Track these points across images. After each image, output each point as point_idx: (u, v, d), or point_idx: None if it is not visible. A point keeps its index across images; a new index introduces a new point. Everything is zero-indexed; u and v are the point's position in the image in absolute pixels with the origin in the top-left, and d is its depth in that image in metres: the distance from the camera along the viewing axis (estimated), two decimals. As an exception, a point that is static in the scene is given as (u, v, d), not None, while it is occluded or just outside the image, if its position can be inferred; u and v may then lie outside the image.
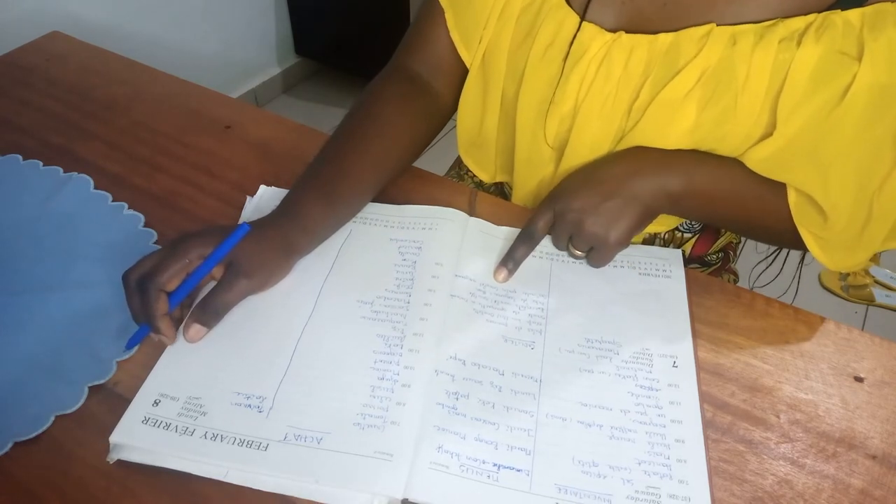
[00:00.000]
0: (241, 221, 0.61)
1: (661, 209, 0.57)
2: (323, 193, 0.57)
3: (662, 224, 0.65)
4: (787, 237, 0.59)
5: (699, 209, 0.59)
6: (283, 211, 0.56)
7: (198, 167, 0.68)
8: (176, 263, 0.49)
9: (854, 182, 0.52)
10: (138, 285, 0.49)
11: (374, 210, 0.63)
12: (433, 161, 0.95)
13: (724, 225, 0.64)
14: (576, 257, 0.59)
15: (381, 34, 1.92)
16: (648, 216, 0.56)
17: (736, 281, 0.79)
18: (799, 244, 0.59)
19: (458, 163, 0.87)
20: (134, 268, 0.50)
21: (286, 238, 0.54)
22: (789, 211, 0.56)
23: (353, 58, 2.04)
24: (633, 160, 0.57)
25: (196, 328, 0.50)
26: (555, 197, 0.58)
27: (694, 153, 0.56)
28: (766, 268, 0.70)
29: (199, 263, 0.51)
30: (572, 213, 0.55)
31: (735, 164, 0.56)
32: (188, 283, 0.50)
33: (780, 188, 0.56)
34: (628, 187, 0.55)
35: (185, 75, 0.83)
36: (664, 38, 0.53)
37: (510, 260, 0.57)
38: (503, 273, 0.57)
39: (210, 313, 0.50)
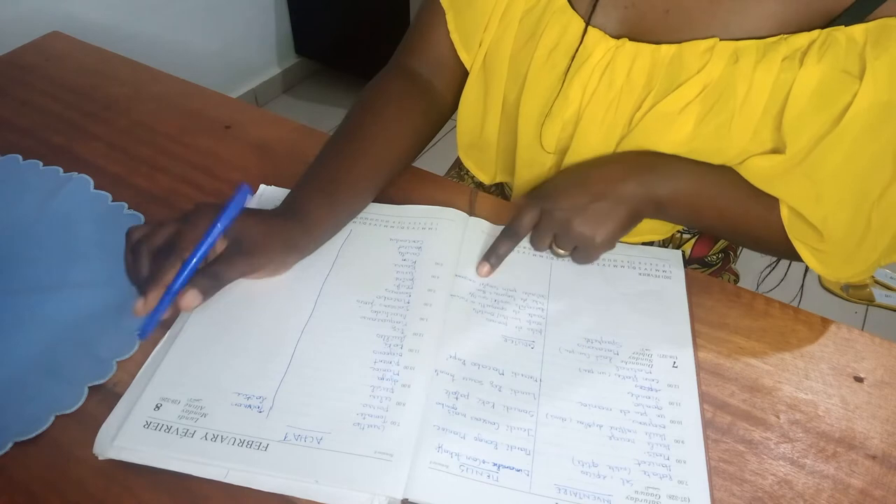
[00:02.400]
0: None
1: (648, 214, 0.57)
2: (325, 194, 0.57)
3: (658, 232, 0.65)
4: (779, 248, 0.59)
5: (684, 215, 0.58)
6: (286, 209, 0.56)
7: (198, 167, 0.68)
8: (192, 234, 0.49)
9: (850, 196, 0.52)
10: (157, 253, 0.49)
11: (374, 210, 0.63)
12: (433, 161, 0.95)
13: (710, 231, 0.64)
14: (558, 256, 0.59)
15: (381, 34, 1.92)
16: (634, 219, 0.56)
17: (736, 281, 0.79)
18: (790, 254, 0.59)
19: (458, 163, 0.87)
20: (149, 234, 0.50)
21: (289, 234, 0.54)
22: (777, 223, 0.56)
23: (353, 58, 2.04)
24: (623, 163, 0.57)
25: (193, 294, 0.48)
26: (542, 195, 0.57)
27: (685, 160, 0.56)
28: (771, 271, 0.70)
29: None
30: (560, 211, 0.55)
31: (726, 173, 0.55)
32: (198, 252, 0.49)
33: (770, 200, 0.56)
34: (617, 190, 0.55)
35: (185, 75, 0.83)
36: (667, 50, 0.53)
37: (493, 255, 0.57)
38: (486, 268, 0.57)
39: (208, 279, 0.49)
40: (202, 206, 0.52)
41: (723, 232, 0.61)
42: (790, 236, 0.56)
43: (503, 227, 0.62)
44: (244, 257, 0.51)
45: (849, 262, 0.56)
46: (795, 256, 0.58)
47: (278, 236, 0.54)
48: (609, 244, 0.55)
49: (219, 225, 0.50)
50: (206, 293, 0.50)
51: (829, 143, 0.50)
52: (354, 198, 0.60)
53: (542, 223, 0.56)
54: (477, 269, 0.58)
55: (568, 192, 0.56)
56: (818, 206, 0.53)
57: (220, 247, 0.52)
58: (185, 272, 0.49)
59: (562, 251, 0.58)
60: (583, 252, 0.56)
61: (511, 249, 0.58)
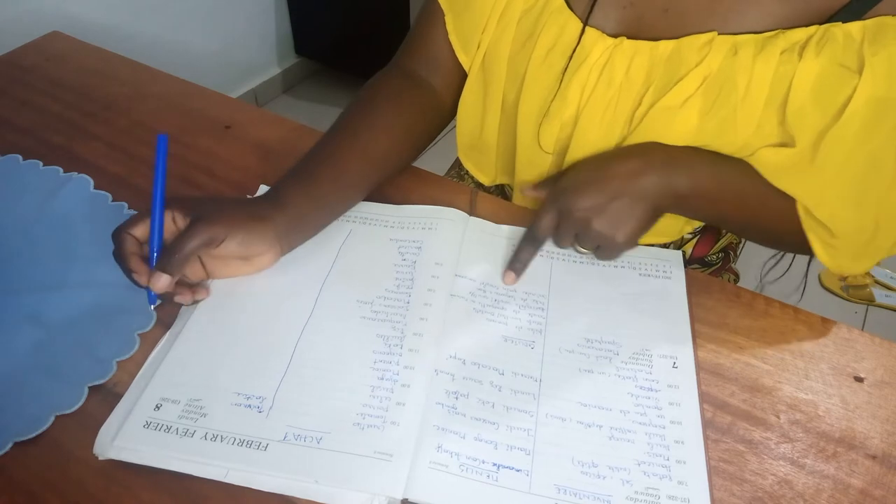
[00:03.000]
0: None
1: (668, 208, 0.57)
2: (300, 177, 0.57)
3: (667, 234, 0.64)
4: (788, 239, 0.59)
5: (704, 209, 0.58)
6: (261, 195, 0.57)
7: (198, 167, 0.68)
8: (144, 214, 0.51)
9: (852, 193, 0.52)
10: (114, 235, 0.51)
11: (374, 210, 0.63)
12: (433, 161, 0.95)
13: (726, 225, 0.64)
14: (581, 254, 0.59)
15: (381, 34, 1.92)
16: (656, 215, 0.56)
17: (737, 281, 0.79)
18: (802, 248, 0.58)
19: (458, 163, 0.87)
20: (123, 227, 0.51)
21: (256, 207, 0.54)
22: (793, 214, 0.56)
23: (353, 58, 2.04)
24: (641, 157, 0.55)
25: (156, 276, 0.49)
26: (559, 195, 0.56)
27: (701, 151, 0.55)
28: (776, 264, 0.70)
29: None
30: (579, 211, 0.54)
31: (744, 164, 0.55)
32: (154, 225, 0.50)
33: (787, 196, 0.55)
34: (636, 186, 0.54)
35: (185, 75, 0.83)
36: (665, 46, 0.53)
37: (517, 262, 0.57)
38: (511, 276, 0.57)
39: (169, 257, 0.49)
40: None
41: (741, 225, 0.61)
42: (805, 228, 0.56)
43: (503, 226, 0.62)
44: (205, 224, 0.50)
45: (857, 258, 0.56)
46: (803, 251, 0.58)
47: (244, 209, 0.53)
48: (631, 242, 0.55)
49: (158, 176, 0.51)
50: (172, 270, 0.49)
51: (831, 140, 0.50)
52: (337, 188, 0.59)
53: (562, 224, 0.56)
54: (503, 278, 0.57)
55: (586, 191, 0.54)
56: (824, 202, 0.53)
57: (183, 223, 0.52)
58: (155, 231, 0.50)
59: (584, 249, 0.58)
60: (605, 251, 0.56)
61: (534, 254, 0.57)
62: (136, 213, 0.52)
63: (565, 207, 0.55)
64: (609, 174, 0.55)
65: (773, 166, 0.54)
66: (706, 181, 0.55)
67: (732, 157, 0.55)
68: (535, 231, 0.56)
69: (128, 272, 0.50)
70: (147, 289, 0.50)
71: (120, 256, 0.50)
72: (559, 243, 0.58)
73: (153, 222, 0.51)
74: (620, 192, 0.54)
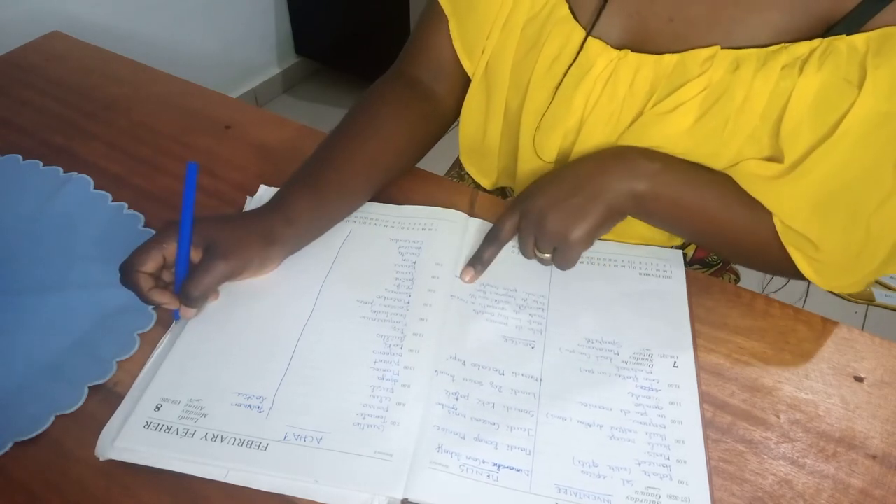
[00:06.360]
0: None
1: (626, 210, 0.55)
2: (311, 190, 0.57)
3: (655, 241, 0.63)
4: (767, 261, 0.57)
5: (666, 214, 0.56)
6: (269, 205, 0.56)
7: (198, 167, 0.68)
8: (151, 246, 0.50)
9: (843, 206, 0.51)
10: (124, 275, 0.50)
11: (374, 210, 0.63)
12: (433, 161, 0.95)
13: (695, 237, 0.62)
14: (543, 262, 0.57)
15: (381, 34, 1.92)
16: (612, 216, 0.54)
17: (737, 281, 0.79)
18: (784, 269, 0.57)
19: (459, 163, 0.87)
20: (137, 260, 0.51)
21: (267, 227, 0.54)
22: (769, 234, 0.54)
23: (353, 58, 2.04)
24: (602, 159, 0.55)
25: (183, 310, 0.51)
26: (520, 197, 0.57)
27: (671, 157, 0.54)
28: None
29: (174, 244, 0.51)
30: (534, 210, 0.54)
31: (716, 176, 0.54)
32: (180, 255, 0.51)
33: (761, 209, 0.54)
34: (592, 185, 0.53)
35: (185, 75, 0.83)
36: (669, 59, 0.52)
37: (477, 261, 0.57)
38: (469, 273, 0.57)
39: (192, 299, 0.50)
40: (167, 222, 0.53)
41: (708, 238, 0.59)
42: (784, 242, 0.54)
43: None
44: (221, 260, 0.50)
45: (846, 272, 0.55)
46: (786, 271, 0.57)
47: (256, 232, 0.53)
48: (584, 242, 0.53)
49: (187, 206, 0.52)
50: (195, 303, 0.51)
51: (822, 152, 0.49)
52: (343, 196, 0.59)
53: (521, 225, 0.55)
54: (461, 274, 0.57)
55: (542, 190, 0.55)
56: (799, 214, 0.52)
57: (196, 257, 0.52)
58: (182, 261, 0.51)
59: (545, 255, 0.56)
60: (560, 253, 0.55)
61: (495, 254, 0.57)
62: (145, 239, 0.52)
63: (524, 208, 0.55)
64: (567, 174, 0.55)
65: (754, 176, 0.53)
66: (669, 185, 0.54)
67: (707, 168, 0.54)
68: (497, 231, 0.56)
69: (150, 304, 0.52)
70: (175, 312, 0.52)
71: (138, 294, 0.51)
72: (523, 251, 0.57)
73: (180, 255, 0.51)
74: (576, 190, 0.53)
